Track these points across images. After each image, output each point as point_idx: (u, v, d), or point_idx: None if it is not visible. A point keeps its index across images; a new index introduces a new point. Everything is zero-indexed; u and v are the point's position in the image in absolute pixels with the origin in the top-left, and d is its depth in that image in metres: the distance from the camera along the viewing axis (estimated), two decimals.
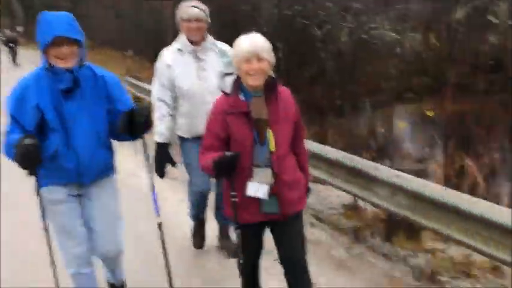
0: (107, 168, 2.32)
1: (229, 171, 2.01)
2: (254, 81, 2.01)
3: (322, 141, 5.05)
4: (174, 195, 4.03)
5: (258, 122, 2.02)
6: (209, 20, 2.87)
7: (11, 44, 20.46)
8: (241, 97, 2.06)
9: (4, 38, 22.21)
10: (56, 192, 2.22)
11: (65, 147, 2.15)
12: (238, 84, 2.08)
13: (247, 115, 2.03)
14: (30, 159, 2.02)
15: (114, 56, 17.85)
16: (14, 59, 20.33)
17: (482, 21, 13.05)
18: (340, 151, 3.55)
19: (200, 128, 2.77)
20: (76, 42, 2.11)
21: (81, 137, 2.17)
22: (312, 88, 12.42)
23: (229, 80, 2.14)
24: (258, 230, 2.15)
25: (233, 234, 3.13)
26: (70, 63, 2.10)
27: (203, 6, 2.87)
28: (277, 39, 11.63)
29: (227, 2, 13.63)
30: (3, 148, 2.15)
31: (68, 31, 2.07)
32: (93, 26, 25.42)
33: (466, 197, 2.62)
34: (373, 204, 3.19)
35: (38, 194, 2.14)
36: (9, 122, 2.16)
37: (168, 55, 2.89)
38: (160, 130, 2.87)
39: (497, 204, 2.58)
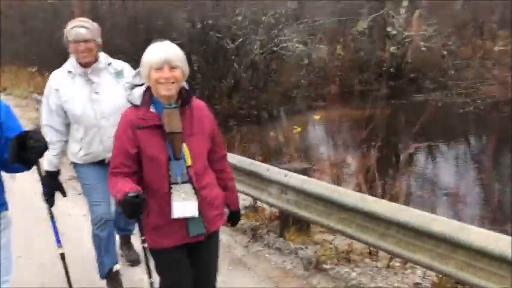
0: None
1: (134, 214, 1.82)
2: (166, 91, 1.85)
3: (230, 148, 5.30)
4: (79, 210, 4.02)
5: (171, 136, 1.88)
6: (99, 40, 2.71)
7: None
8: (152, 109, 1.91)
9: None
10: None
11: None
12: (148, 95, 1.92)
13: (159, 128, 1.88)
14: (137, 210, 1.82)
15: (22, 73, 17.02)
16: None
17: (383, 33, 14.16)
18: (237, 156, 3.79)
19: (97, 153, 2.72)
20: None
21: None
22: (229, 99, 12.74)
23: (138, 91, 1.96)
24: (180, 252, 1.98)
25: (135, 243, 3.18)
26: None
27: (91, 25, 2.70)
28: (191, 52, 11.83)
29: (140, 17, 13.59)
30: None
31: None
32: (1, 42, 24.04)
33: (342, 190, 2.95)
34: (268, 204, 3.46)
35: None
36: None
37: (56, 79, 2.73)
38: (48, 158, 2.69)
39: (367, 194, 2.95)
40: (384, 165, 5.66)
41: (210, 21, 12.24)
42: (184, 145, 1.89)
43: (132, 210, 1.79)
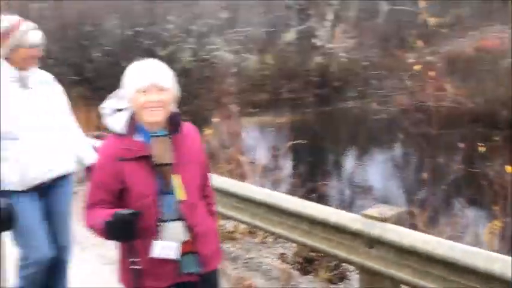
0: None
1: (127, 234, 1.62)
2: (153, 117, 1.66)
3: None
4: None
5: (161, 168, 1.68)
6: None
7: None
8: (138, 138, 1.70)
9: None
10: None
11: None
12: (133, 121, 1.70)
13: (147, 160, 1.67)
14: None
15: None
16: None
17: (309, 44, 14.95)
18: None
19: (36, 174, 2.35)
20: None
21: None
22: None
23: (121, 117, 1.72)
24: None
25: None
26: None
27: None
28: (122, 59, 11.93)
29: (70, 22, 13.50)
30: None
31: None
32: None
33: (231, 182, 3.39)
34: None
35: None
36: None
37: None
38: None
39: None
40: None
41: (140, 29, 12.41)
42: (175, 177, 1.70)
43: (126, 228, 1.58)
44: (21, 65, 2.38)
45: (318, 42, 14.89)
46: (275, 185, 4.97)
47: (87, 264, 3.36)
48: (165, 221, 1.70)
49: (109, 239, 1.68)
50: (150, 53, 13.28)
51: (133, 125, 1.70)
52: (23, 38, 2.35)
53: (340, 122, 11.97)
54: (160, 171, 1.69)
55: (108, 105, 1.76)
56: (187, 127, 1.81)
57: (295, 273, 3.34)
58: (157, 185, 1.69)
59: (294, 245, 3.45)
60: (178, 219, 1.71)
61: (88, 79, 11.12)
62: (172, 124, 1.73)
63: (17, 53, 2.36)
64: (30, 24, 2.42)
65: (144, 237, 1.67)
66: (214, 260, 1.84)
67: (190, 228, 1.72)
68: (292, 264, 3.37)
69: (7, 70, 2.36)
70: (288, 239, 3.09)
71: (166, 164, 1.69)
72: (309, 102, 13.58)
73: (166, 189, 1.70)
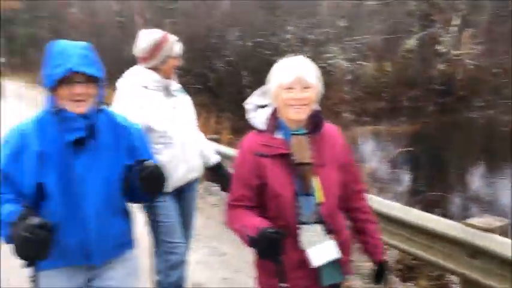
0: (124, 243, 1.82)
1: (274, 253, 1.53)
2: (297, 115, 1.62)
3: None
4: None
5: (300, 167, 1.62)
6: None
7: None
8: (279, 135, 1.67)
9: None
10: (56, 279, 1.71)
11: (69, 216, 1.66)
12: (275, 118, 1.68)
13: (286, 158, 1.63)
14: (39, 248, 1.49)
15: None
16: None
17: (432, 51, 14.25)
18: None
19: (181, 177, 2.47)
20: (94, 79, 1.66)
21: (92, 204, 1.68)
22: None
23: (263, 113, 1.71)
24: None
25: None
26: (84, 107, 1.65)
27: None
28: (241, 68, 12.59)
29: (197, 34, 14.62)
30: None
31: (86, 66, 1.62)
32: None
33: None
34: None
35: (34, 280, 1.60)
36: (1, 180, 1.67)
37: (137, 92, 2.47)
38: None
39: None
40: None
41: (260, 39, 12.98)
42: (315, 178, 1.63)
43: (271, 248, 1.51)
44: (167, 74, 2.53)
45: (442, 49, 14.14)
46: (382, 193, 4.90)
47: (196, 254, 3.51)
48: (304, 223, 1.63)
49: (258, 255, 1.61)
50: (268, 63, 13.84)
51: (275, 121, 1.68)
52: (172, 48, 2.52)
53: (463, 132, 11.23)
54: (299, 170, 1.63)
55: (251, 101, 1.76)
56: (329, 127, 1.73)
57: (395, 279, 3.27)
58: (295, 185, 1.63)
59: (396, 251, 3.36)
60: (317, 222, 1.63)
61: (210, 88, 11.92)
62: (313, 123, 1.67)
63: (167, 63, 2.51)
64: (173, 36, 2.58)
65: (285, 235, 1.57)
66: (348, 270, 1.75)
67: (330, 233, 1.64)
68: (392, 271, 3.31)
69: (156, 80, 2.49)
70: (389, 245, 3.03)
71: (306, 164, 1.63)
72: (429, 111, 12.96)
73: (305, 190, 1.63)
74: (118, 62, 21.11)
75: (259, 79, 11.13)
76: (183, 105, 2.60)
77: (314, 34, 13.19)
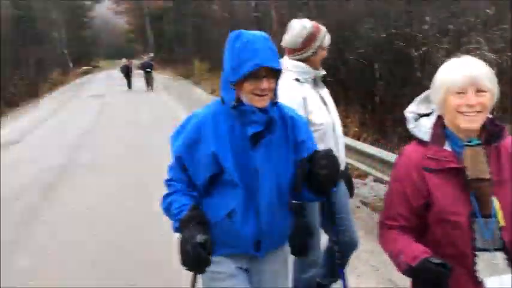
0: (285, 236, 1.86)
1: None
2: (470, 123, 1.45)
3: None
4: None
5: (477, 184, 1.43)
6: None
7: (148, 69, 22.53)
8: (447, 147, 1.51)
9: (141, 64, 25.08)
10: (222, 265, 1.77)
11: (244, 208, 1.70)
12: (440, 128, 1.53)
13: (457, 173, 1.45)
14: (199, 262, 1.59)
15: None
16: (149, 84, 22.53)
17: None
18: None
19: None
20: (277, 72, 1.67)
21: (264, 196, 1.72)
22: None
23: (427, 123, 1.56)
24: None
25: None
26: (266, 101, 1.67)
27: None
28: (374, 60, 12.34)
29: (329, 26, 14.65)
30: (163, 204, 1.79)
31: (272, 60, 1.63)
32: (212, 48, 28.28)
33: None
34: None
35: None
36: (173, 165, 1.78)
37: (296, 88, 2.43)
38: None
39: None
40: None
41: (394, 31, 12.61)
42: (495, 198, 1.44)
43: (435, 284, 1.34)
44: (316, 65, 2.51)
45: None
46: None
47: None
48: (482, 250, 1.42)
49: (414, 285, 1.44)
50: (403, 55, 13.33)
51: (441, 131, 1.51)
52: (324, 39, 2.50)
53: None
54: (475, 187, 1.43)
55: (412, 109, 1.61)
56: (507, 137, 1.52)
57: None
58: (470, 205, 1.43)
59: None
60: (497, 249, 1.42)
61: (341, 80, 11.93)
62: (489, 132, 1.48)
63: (318, 54, 2.49)
64: (323, 27, 2.57)
65: (452, 268, 1.37)
66: None
67: None
68: None
69: (307, 71, 2.47)
70: None
71: (484, 180, 1.43)
72: None
73: (483, 211, 1.42)
74: None
75: (392, 72, 10.99)
76: (329, 97, 2.58)
77: (454, 24, 12.38)
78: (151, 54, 35.05)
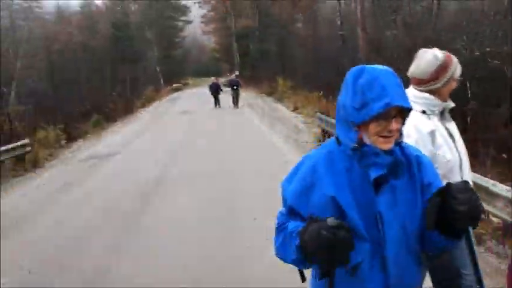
0: None
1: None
2: None
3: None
4: None
5: None
6: None
7: (235, 87, 23.26)
8: None
9: (228, 82, 25.90)
10: None
11: (371, 261, 1.54)
12: None
13: None
14: (340, 249, 1.41)
15: (311, 96, 19.91)
16: (236, 101, 23.24)
17: None
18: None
19: None
20: (406, 111, 1.54)
21: (391, 247, 1.55)
22: (506, 128, 12.12)
23: None
24: None
25: None
26: (392, 143, 1.53)
27: None
28: (466, 78, 11.89)
29: (417, 44, 14.32)
30: (276, 242, 1.61)
31: (402, 98, 1.50)
32: (295, 66, 28.65)
33: None
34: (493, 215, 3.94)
35: None
36: (285, 212, 1.65)
37: (425, 121, 2.30)
38: None
39: None
40: None
41: (488, 49, 12.10)
42: None
43: None
44: (445, 97, 2.37)
45: None
46: None
47: None
48: None
49: None
50: (497, 73, 12.68)
51: None
52: (456, 70, 2.36)
53: None
54: None
55: None
56: None
57: None
58: None
59: None
60: None
61: None
62: None
63: (448, 85, 2.35)
64: (454, 57, 2.41)
65: None
66: None
67: None
68: None
69: (436, 104, 2.34)
70: None
71: None
72: None
73: None
74: (338, 72, 22.07)
75: (485, 90, 10.52)
76: (456, 131, 2.43)
77: None
78: (237, 72, 36.12)
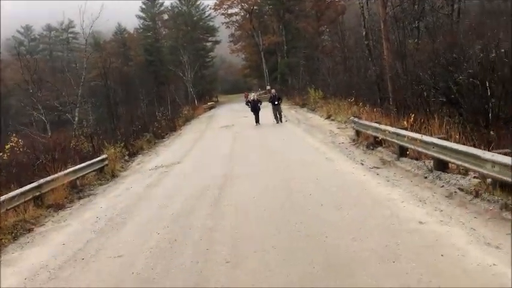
0: None
1: None
2: None
3: None
4: None
5: None
6: None
7: (276, 103, 22.83)
8: None
9: (270, 98, 26.29)
10: None
11: None
12: None
13: None
14: None
15: (343, 103, 21.49)
16: (279, 118, 22.76)
17: None
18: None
19: None
20: None
21: None
22: None
23: None
24: None
25: None
26: None
27: None
28: (485, 79, 13.21)
29: (438, 50, 15.74)
30: None
31: None
32: (324, 77, 30.26)
33: None
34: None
35: None
36: None
37: None
38: None
39: None
40: None
41: (503, 50, 13.43)
42: None
43: None
44: None
45: None
46: None
47: None
48: None
49: None
50: None
51: None
52: None
53: None
54: None
55: None
56: None
57: None
58: None
59: None
60: None
61: (451, 100, 12.99)
62: None
63: None
64: None
65: None
66: None
67: None
68: None
69: None
70: None
71: None
72: None
73: None
74: (364, 80, 23.63)
75: (504, 89, 12.29)
76: None
77: None
78: (268, 87, 37.66)
